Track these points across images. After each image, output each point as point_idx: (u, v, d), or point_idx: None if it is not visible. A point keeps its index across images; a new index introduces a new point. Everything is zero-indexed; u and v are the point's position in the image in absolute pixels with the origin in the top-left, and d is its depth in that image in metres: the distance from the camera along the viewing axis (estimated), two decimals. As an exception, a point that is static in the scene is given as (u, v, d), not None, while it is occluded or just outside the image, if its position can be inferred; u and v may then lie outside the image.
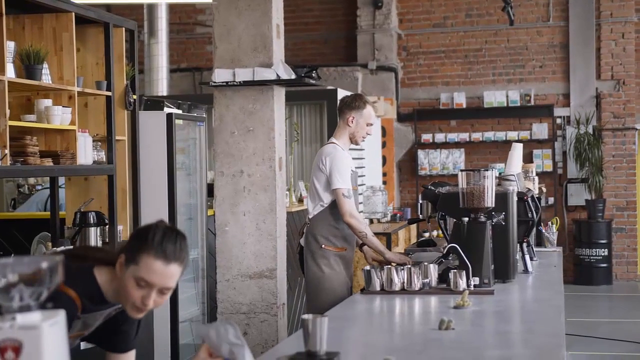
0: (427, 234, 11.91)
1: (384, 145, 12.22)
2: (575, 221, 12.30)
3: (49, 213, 5.65)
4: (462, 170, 4.44)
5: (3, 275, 1.74)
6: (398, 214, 10.85)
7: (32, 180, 8.74)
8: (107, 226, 5.52)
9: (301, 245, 5.29)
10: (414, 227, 11.05)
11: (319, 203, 5.12)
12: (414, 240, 10.42)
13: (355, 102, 5.20)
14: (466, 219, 4.38)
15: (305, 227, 5.25)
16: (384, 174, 12.19)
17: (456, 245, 4.29)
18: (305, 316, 2.72)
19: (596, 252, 12.03)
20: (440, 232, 11.55)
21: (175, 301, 6.24)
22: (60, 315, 1.81)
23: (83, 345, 4.45)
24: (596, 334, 8.78)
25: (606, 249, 12.05)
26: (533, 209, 5.01)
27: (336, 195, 5.02)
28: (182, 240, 2.60)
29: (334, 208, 5.07)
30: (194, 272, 6.80)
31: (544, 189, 10.70)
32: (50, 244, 5.42)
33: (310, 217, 5.20)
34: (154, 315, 5.83)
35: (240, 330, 2.63)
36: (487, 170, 4.40)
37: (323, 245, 5.10)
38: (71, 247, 5.01)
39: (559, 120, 12.54)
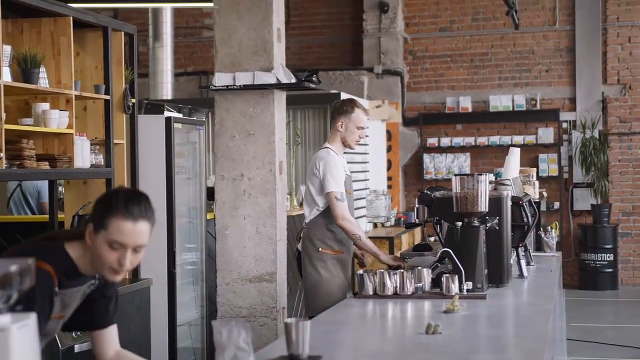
0: (432, 238, 11.90)
1: (389, 149, 12.23)
2: (581, 226, 12.27)
3: (47, 217, 5.67)
4: (456, 175, 4.44)
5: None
6: (402, 218, 10.84)
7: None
8: (105, 229, 5.53)
9: (299, 250, 5.33)
10: (418, 231, 11.04)
11: (315, 207, 5.20)
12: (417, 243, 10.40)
13: (344, 106, 5.28)
14: (460, 223, 4.37)
15: (302, 231, 5.29)
16: (390, 178, 12.19)
17: (449, 250, 4.29)
18: (288, 320, 2.73)
19: (602, 257, 11.99)
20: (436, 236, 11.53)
21: (174, 304, 6.26)
22: (31, 318, 1.82)
23: (77, 348, 4.50)
24: (601, 339, 8.75)
25: (612, 254, 12.01)
26: (529, 214, 5.00)
27: (329, 198, 5.09)
28: (146, 199, 2.68)
29: (329, 212, 5.11)
30: (193, 275, 6.82)
31: (545, 194, 10.67)
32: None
33: (306, 221, 5.26)
34: (152, 318, 5.84)
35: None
36: (481, 175, 4.39)
37: (320, 249, 5.16)
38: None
39: (564, 125, 12.51)
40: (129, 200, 2.63)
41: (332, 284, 5.12)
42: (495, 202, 4.51)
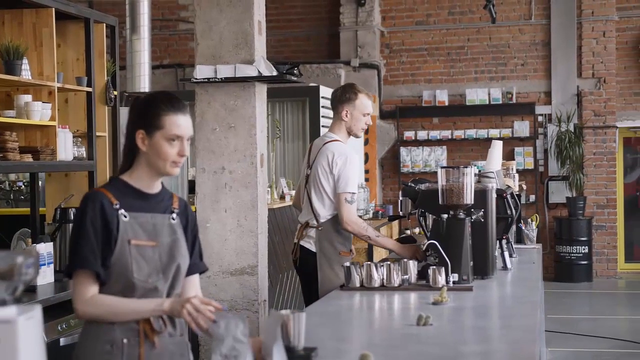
0: (408, 231, 11.95)
1: (366, 142, 12.25)
2: (556, 218, 12.38)
3: (29, 209, 5.62)
4: (441, 167, 4.45)
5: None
6: (380, 211, 10.86)
7: (12, 176, 8.70)
8: (87, 222, 5.50)
9: (303, 249, 5.04)
10: (395, 224, 11.08)
11: (333, 207, 4.92)
12: (396, 237, 10.43)
13: (346, 94, 5.02)
14: (445, 215, 4.39)
15: (313, 230, 4.99)
16: (367, 171, 12.21)
17: (435, 242, 4.31)
18: (284, 312, 2.73)
19: (577, 249, 12.10)
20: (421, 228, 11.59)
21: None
22: (36, 311, 1.81)
23: (63, 341, 4.47)
24: (576, 330, 8.84)
25: (586, 246, 12.13)
26: (512, 206, 5.03)
27: (338, 198, 4.85)
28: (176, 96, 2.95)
29: None
30: (175, 268, 6.78)
31: (524, 187, 10.76)
32: (30, 240, 5.40)
33: (321, 220, 4.96)
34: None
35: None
36: (467, 167, 4.41)
37: (341, 252, 4.93)
38: None
39: (540, 118, 12.61)
40: (171, 98, 2.87)
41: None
42: (480, 195, 4.53)
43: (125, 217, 2.79)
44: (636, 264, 12.93)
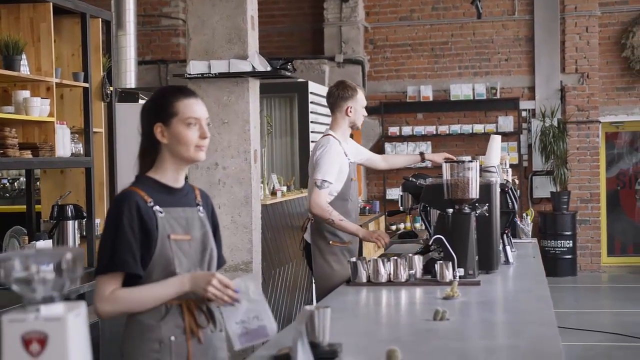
0: (394, 227, 11.96)
1: (351, 137, 12.22)
2: (541, 213, 12.44)
3: (24, 207, 5.56)
4: (446, 162, 4.45)
5: (26, 267, 1.72)
6: (367, 207, 10.87)
7: (-1, 174, 8.61)
8: (84, 219, 5.45)
9: (306, 241, 5.21)
10: (382, 219, 11.10)
11: None
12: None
13: (347, 91, 5.18)
14: (451, 210, 4.38)
15: (309, 222, 5.16)
16: (352, 167, 12.19)
17: (442, 237, 4.30)
18: (309, 307, 2.71)
19: (561, 243, 12.17)
20: (408, 224, 11.58)
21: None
22: (82, 307, 1.78)
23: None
24: (564, 324, 8.88)
25: (571, 241, 12.20)
26: (514, 200, 5.05)
27: (310, 183, 5.00)
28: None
29: (337, 201, 5.02)
30: (170, 265, 6.75)
31: (517, 181, 10.81)
32: (26, 237, 5.34)
33: (314, 212, 5.07)
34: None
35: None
36: (472, 161, 4.41)
37: (330, 242, 5.06)
38: None
39: (524, 113, 12.66)
40: (179, 87, 2.91)
41: (344, 277, 4.97)
42: (485, 189, 4.53)
43: (161, 213, 2.78)
44: (618, 258, 13.03)
